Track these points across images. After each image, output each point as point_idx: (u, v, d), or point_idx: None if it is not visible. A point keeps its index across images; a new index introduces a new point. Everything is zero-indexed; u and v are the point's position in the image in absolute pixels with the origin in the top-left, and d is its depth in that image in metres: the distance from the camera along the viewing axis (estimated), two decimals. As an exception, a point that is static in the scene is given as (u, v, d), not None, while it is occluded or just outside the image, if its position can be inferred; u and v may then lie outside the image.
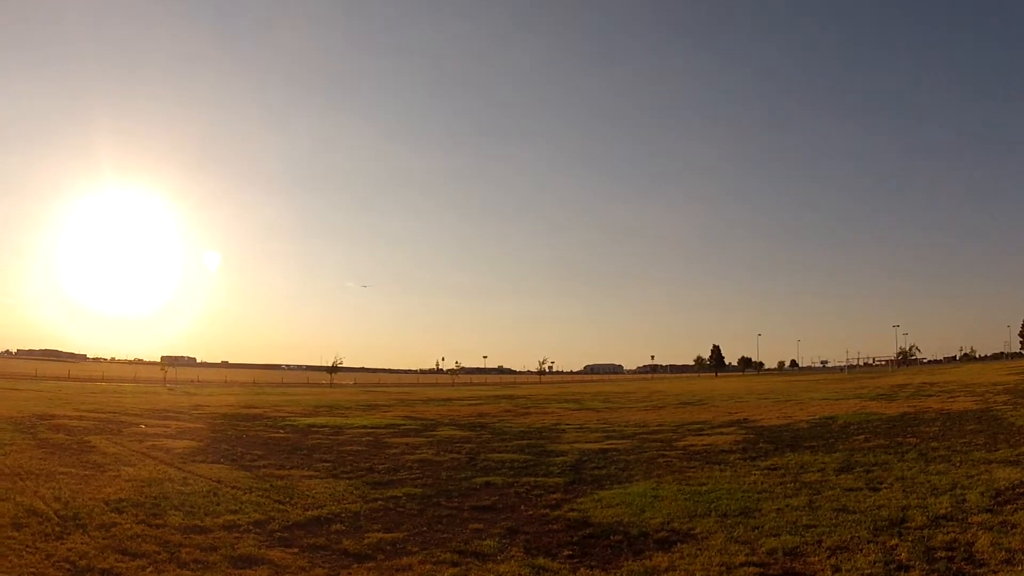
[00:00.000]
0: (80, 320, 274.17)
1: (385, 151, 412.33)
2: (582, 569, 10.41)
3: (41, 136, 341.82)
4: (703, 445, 25.43)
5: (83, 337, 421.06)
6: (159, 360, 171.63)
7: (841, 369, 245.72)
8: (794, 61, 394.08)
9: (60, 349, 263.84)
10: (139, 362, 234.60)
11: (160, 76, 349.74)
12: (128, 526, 12.44)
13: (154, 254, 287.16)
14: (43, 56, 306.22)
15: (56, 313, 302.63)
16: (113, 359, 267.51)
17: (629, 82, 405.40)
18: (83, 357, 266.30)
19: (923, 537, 11.23)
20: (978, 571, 9.42)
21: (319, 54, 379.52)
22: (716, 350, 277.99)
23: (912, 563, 9.86)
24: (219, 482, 17.22)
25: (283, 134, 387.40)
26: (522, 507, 15.13)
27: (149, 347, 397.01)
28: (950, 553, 10.28)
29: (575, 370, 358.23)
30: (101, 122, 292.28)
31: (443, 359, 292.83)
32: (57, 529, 12.01)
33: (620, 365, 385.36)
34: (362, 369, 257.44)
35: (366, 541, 12.14)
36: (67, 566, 10.11)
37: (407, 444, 26.70)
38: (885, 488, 15.59)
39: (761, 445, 24.90)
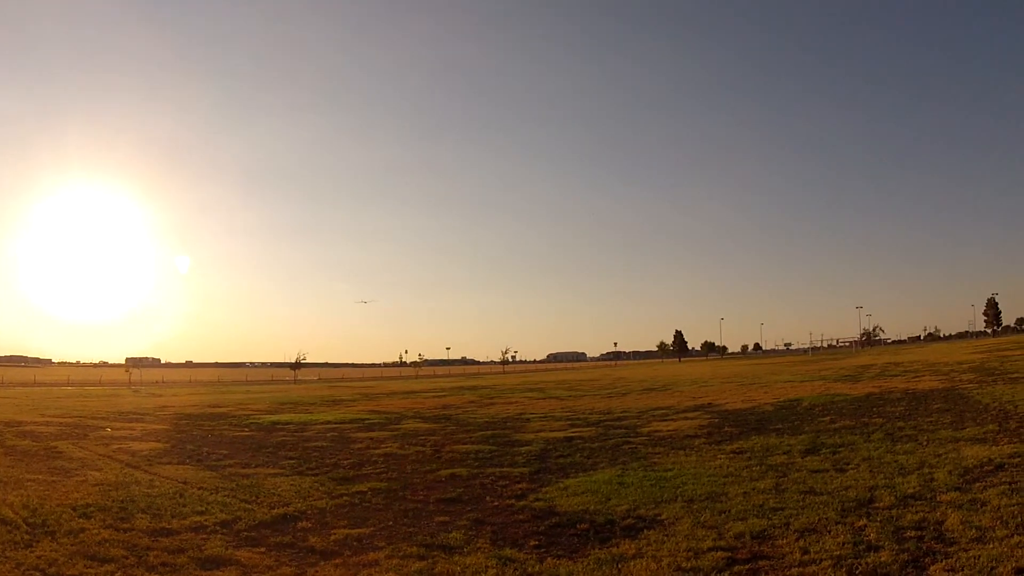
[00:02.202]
0: (43, 326, 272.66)
1: (349, 148, 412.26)
2: (549, 559, 10.34)
3: (6, 135, 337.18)
4: (668, 431, 25.44)
5: (46, 342, 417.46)
6: (124, 362, 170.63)
7: (805, 351, 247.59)
8: (756, 52, 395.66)
9: (25, 354, 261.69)
10: (104, 365, 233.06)
11: (131, 75, 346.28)
12: (96, 531, 12.27)
13: (118, 256, 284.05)
14: (9, 54, 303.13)
15: (18, 318, 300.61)
16: (78, 363, 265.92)
17: (594, 75, 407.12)
18: (48, 362, 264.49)
19: (892, 517, 11.25)
20: (949, 549, 9.40)
21: (287, 52, 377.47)
22: (679, 335, 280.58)
23: (881, 543, 9.85)
24: (185, 483, 17.06)
25: (246, 133, 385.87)
26: (488, 498, 15.08)
27: (114, 350, 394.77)
28: (920, 532, 10.29)
29: (538, 359, 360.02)
30: (71, 121, 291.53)
31: (406, 352, 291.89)
32: (26, 537, 11.82)
33: (583, 353, 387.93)
34: (326, 364, 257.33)
35: (332, 538, 12.07)
36: (37, 574, 9.97)
37: (372, 438, 26.59)
38: (852, 469, 15.65)
39: (726, 429, 24.95)
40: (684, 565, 9.59)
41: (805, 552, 9.74)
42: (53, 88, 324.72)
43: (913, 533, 10.26)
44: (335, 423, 33.50)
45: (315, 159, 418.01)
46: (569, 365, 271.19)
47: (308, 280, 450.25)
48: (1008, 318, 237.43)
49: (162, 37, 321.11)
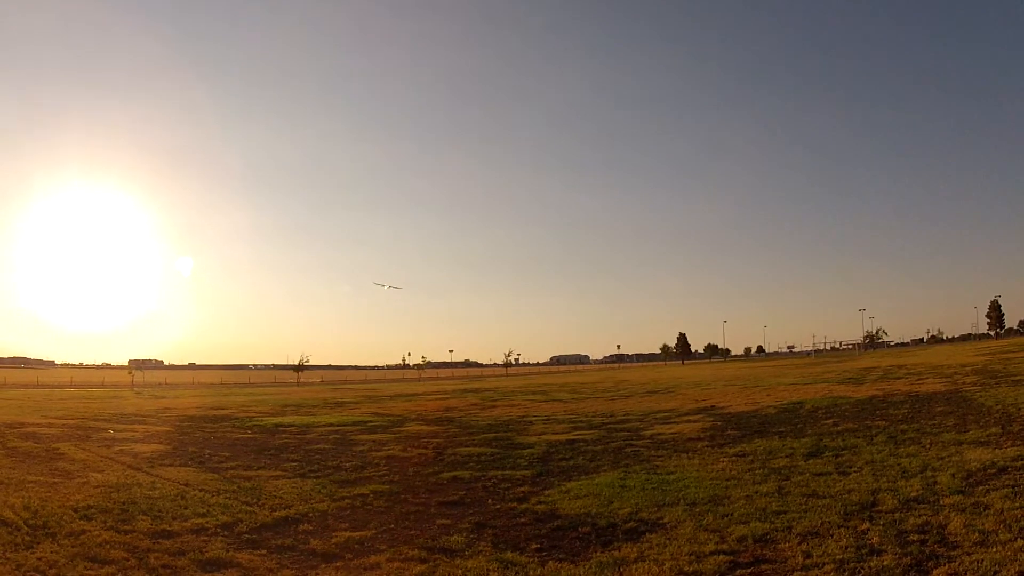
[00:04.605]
0: (44, 328, 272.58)
1: (351, 149, 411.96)
2: (550, 562, 10.34)
3: (3, 136, 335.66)
4: (670, 433, 25.43)
5: (48, 344, 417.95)
6: (126, 364, 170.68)
7: (808, 354, 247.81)
8: (759, 51, 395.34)
9: (28, 356, 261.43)
10: (107, 367, 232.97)
11: (131, 75, 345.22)
12: (97, 533, 12.28)
13: (120, 259, 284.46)
14: (5, 53, 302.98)
15: (18, 321, 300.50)
16: (81, 364, 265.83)
17: (596, 76, 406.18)
18: (51, 363, 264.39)
19: (895, 520, 11.20)
20: (952, 553, 9.36)
21: (291, 53, 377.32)
22: (682, 338, 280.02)
23: (884, 547, 9.81)
24: (187, 485, 17.05)
25: (249, 134, 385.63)
26: (489, 501, 15.09)
27: (117, 352, 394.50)
28: (922, 536, 10.25)
29: (541, 361, 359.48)
30: (70, 122, 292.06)
31: (409, 354, 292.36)
32: (27, 538, 11.83)
33: (586, 355, 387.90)
34: (329, 367, 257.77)
35: (334, 540, 12.07)
36: (37, 576, 9.94)
37: (374, 441, 26.60)
38: (855, 472, 15.60)
39: (729, 432, 24.92)
40: (686, 568, 9.57)
41: (808, 556, 9.71)
42: (51, 89, 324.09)
43: (916, 537, 10.22)
44: (337, 425, 33.52)
45: (318, 161, 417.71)
46: (572, 368, 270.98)
47: (311, 282, 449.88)
48: (1011, 320, 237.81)
49: (162, 37, 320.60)
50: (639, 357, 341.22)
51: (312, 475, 18.80)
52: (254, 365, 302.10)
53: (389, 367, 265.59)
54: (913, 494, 12.93)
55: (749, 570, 9.41)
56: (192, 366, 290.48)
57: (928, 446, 18.29)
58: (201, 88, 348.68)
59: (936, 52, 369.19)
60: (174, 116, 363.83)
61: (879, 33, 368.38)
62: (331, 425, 33.68)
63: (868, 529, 10.83)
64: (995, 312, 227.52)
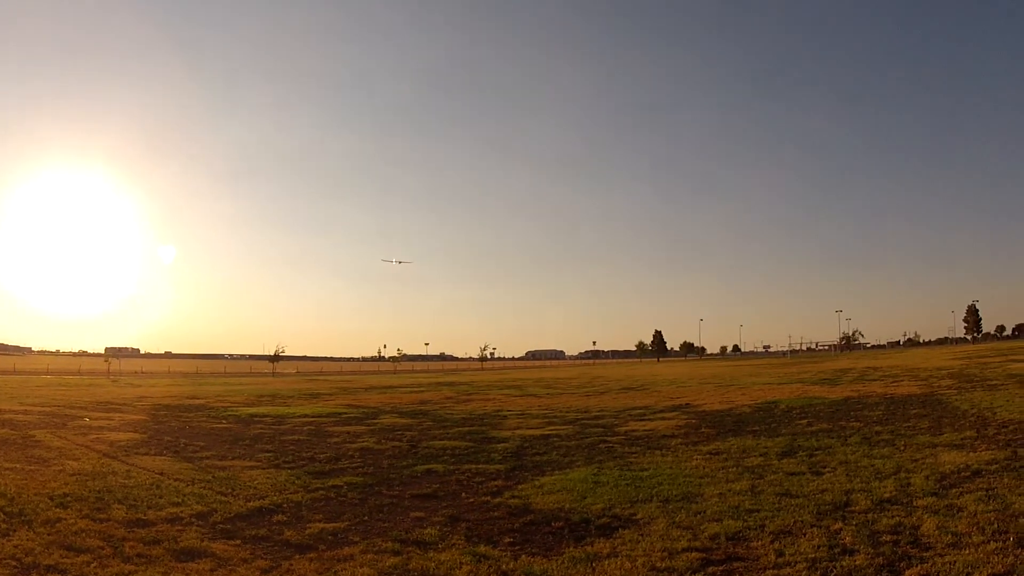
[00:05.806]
0: (22, 314, 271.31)
1: (336, 140, 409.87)
2: (523, 556, 10.36)
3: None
4: (645, 430, 25.53)
5: (25, 330, 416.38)
6: (103, 351, 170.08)
7: (784, 354, 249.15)
8: (739, 57, 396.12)
9: (5, 343, 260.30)
10: (83, 354, 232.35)
11: (114, 60, 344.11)
12: (73, 521, 12.27)
13: (99, 245, 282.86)
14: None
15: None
16: (58, 351, 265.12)
17: (580, 76, 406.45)
18: (28, 350, 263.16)
19: (868, 521, 11.25)
20: (924, 555, 9.40)
21: (277, 43, 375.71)
22: (658, 335, 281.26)
23: (857, 547, 9.85)
24: (162, 474, 17.05)
25: (231, 123, 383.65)
26: (463, 494, 15.11)
27: (94, 339, 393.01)
28: (895, 537, 10.29)
29: (517, 356, 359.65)
30: (51, 106, 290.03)
31: (385, 346, 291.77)
32: (3, 526, 11.83)
33: (562, 351, 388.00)
34: (304, 357, 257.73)
35: (308, 531, 12.09)
36: (13, 563, 9.94)
37: (349, 433, 26.64)
38: (828, 472, 15.67)
39: (703, 430, 25.01)
40: (659, 565, 9.59)
41: (780, 554, 9.74)
42: (34, 72, 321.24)
43: (889, 537, 10.27)
44: (312, 417, 33.59)
45: (298, 152, 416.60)
46: (547, 363, 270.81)
47: (289, 273, 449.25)
48: (988, 325, 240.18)
49: (149, 22, 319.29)
50: (615, 354, 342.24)
51: (287, 466, 18.80)
52: (229, 355, 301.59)
53: (365, 359, 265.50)
54: (887, 495, 12.99)
55: (721, 568, 9.43)
56: (168, 355, 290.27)
57: (902, 448, 18.38)
58: (187, 75, 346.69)
59: (921, 53, 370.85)
60: (159, 102, 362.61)
61: (859, 37, 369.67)
62: (306, 416, 33.74)
63: (841, 529, 10.87)
64: (972, 316, 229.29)
